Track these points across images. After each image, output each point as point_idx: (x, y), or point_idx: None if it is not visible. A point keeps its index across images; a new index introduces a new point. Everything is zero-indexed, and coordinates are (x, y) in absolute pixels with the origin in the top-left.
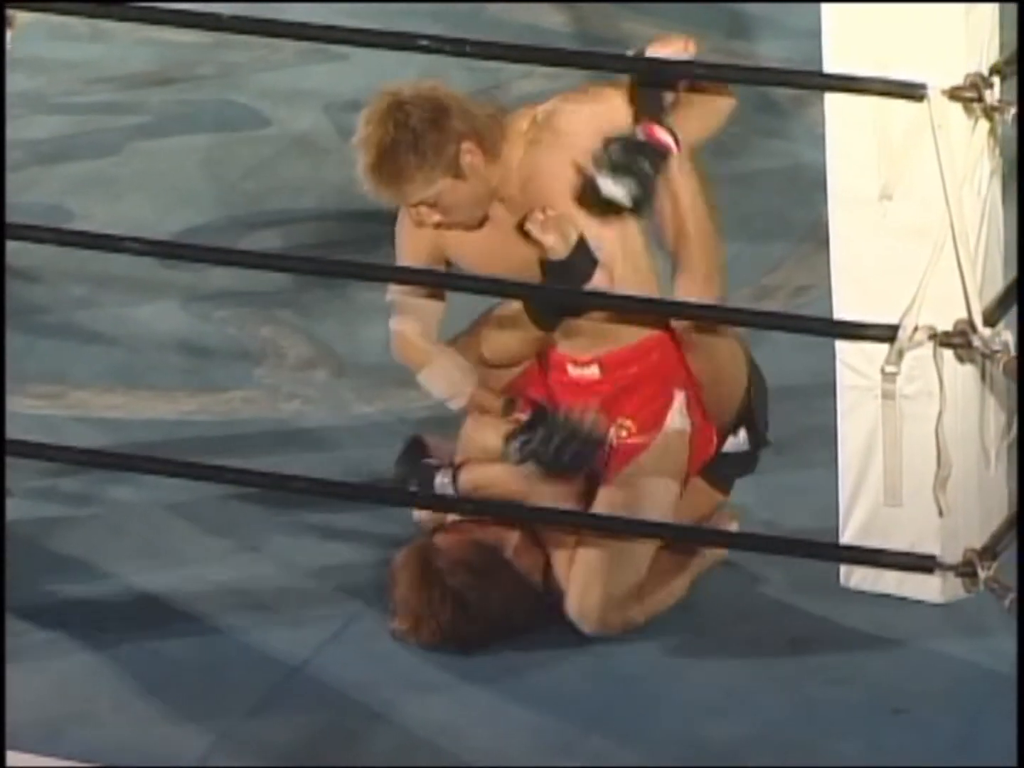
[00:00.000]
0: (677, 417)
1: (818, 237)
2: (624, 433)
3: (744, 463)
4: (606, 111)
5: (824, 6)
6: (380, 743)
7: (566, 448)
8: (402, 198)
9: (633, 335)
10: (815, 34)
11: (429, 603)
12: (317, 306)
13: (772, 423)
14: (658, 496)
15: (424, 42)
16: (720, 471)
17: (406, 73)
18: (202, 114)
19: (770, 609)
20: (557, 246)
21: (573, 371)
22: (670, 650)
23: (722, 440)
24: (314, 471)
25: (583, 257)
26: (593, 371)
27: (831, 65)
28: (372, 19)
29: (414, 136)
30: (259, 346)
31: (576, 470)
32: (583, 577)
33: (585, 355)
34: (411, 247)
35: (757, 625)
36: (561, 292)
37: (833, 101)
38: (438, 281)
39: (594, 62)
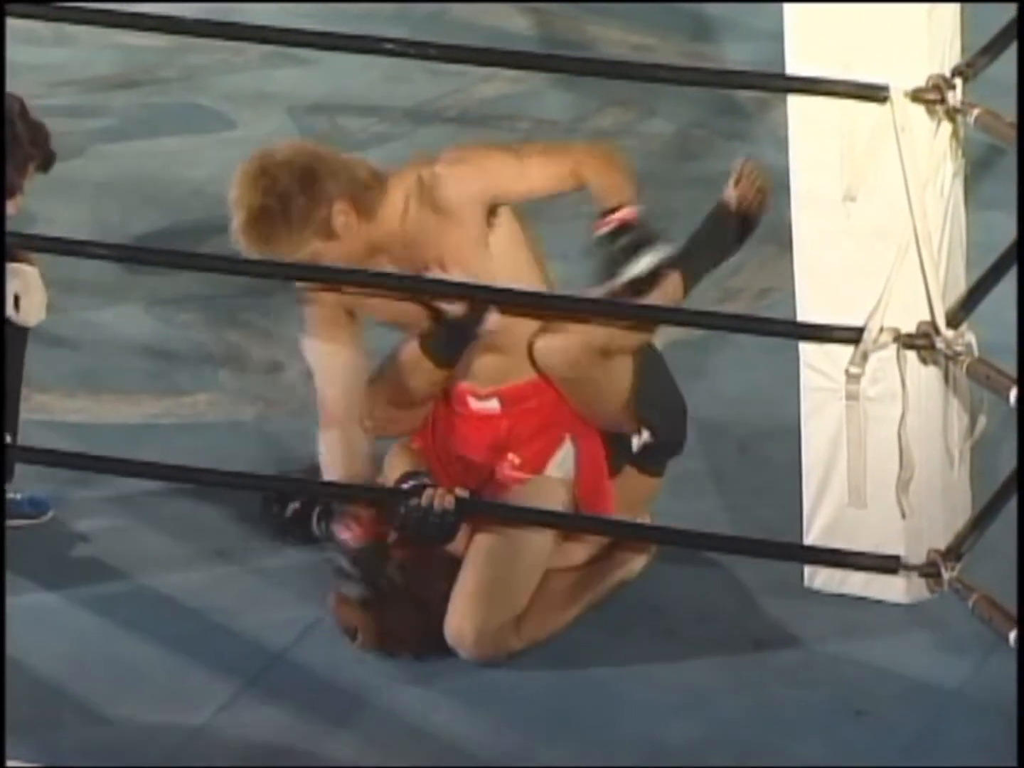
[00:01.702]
0: (559, 465)
1: (781, 239)
2: (508, 467)
3: (664, 450)
4: (492, 179)
5: (787, 9)
6: (346, 743)
7: (427, 526)
8: (276, 257)
9: (532, 370)
10: (778, 36)
11: (380, 611)
12: (282, 309)
13: (736, 425)
14: (526, 534)
15: (388, 45)
16: (645, 461)
17: (369, 76)
18: (166, 117)
19: (734, 610)
20: (456, 307)
21: (474, 404)
22: (634, 651)
23: (626, 444)
24: (278, 473)
25: (478, 310)
26: (493, 404)
27: (794, 67)
28: (335, 23)
29: (282, 202)
30: (223, 349)
31: (438, 542)
32: (461, 604)
33: (486, 388)
34: (318, 313)
35: (721, 626)
36: (563, 299)
37: (796, 103)
38: (410, 286)
39: (557, 65)
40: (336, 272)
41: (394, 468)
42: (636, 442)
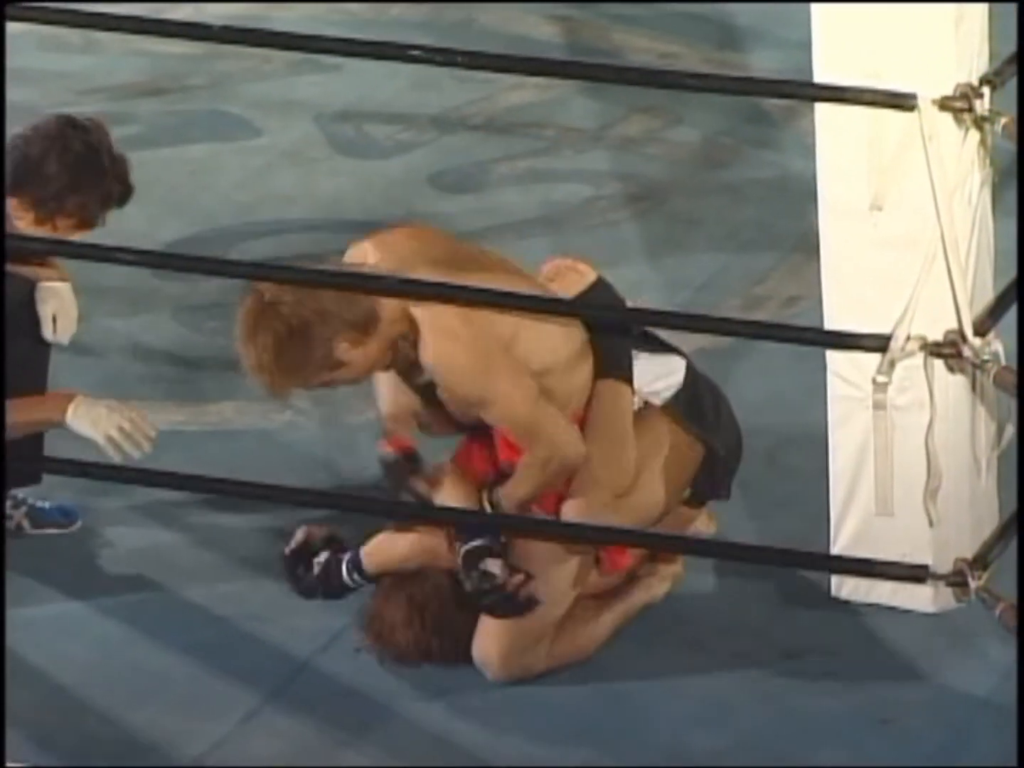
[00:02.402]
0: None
1: (808, 247)
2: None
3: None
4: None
5: (814, 17)
6: (370, 754)
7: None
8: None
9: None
10: (806, 45)
11: (405, 626)
12: None
13: (762, 433)
14: (557, 560)
15: (415, 52)
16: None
17: (397, 84)
18: (193, 125)
19: (761, 621)
20: None
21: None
22: (660, 662)
23: None
24: (304, 482)
25: None
26: None
27: (822, 76)
28: (363, 30)
29: (275, 355)
30: None
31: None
32: (488, 626)
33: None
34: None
35: (747, 637)
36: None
37: (823, 112)
38: (454, 292)
39: (584, 73)
40: (358, 278)
41: (445, 488)
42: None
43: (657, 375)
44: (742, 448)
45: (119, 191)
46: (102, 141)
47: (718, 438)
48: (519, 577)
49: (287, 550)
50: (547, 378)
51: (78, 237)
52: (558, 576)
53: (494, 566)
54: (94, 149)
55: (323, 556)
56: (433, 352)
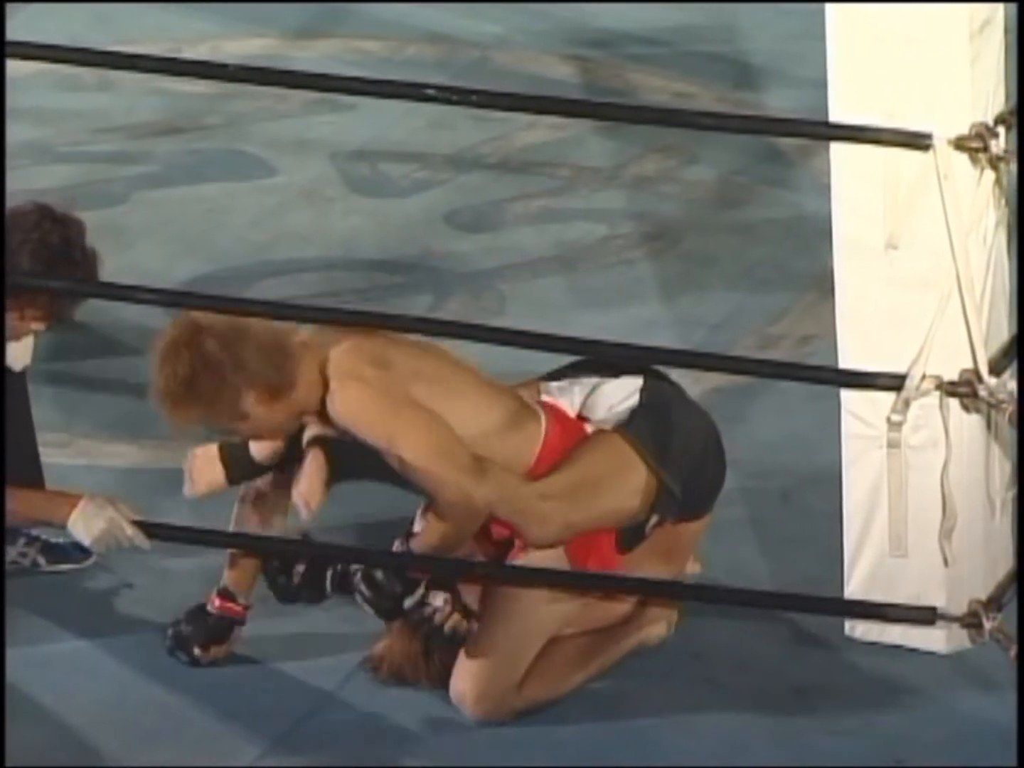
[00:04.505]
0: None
1: (823, 287)
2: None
3: (704, 496)
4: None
5: (830, 57)
6: None
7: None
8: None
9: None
10: (821, 84)
11: (408, 653)
12: None
13: (777, 472)
14: (530, 602)
15: (431, 92)
16: (684, 513)
17: (412, 123)
18: (209, 164)
19: (775, 659)
20: None
21: None
22: (674, 700)
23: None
24: (317, 522)
25: None
26: None
27: (837, 115)
28: (378, 69)
29: (185, 385)
30: None
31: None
32: (464, 665)
33: None
34: None
35: (761, 675)
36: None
37: (839, 151)
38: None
39: (599, 112)
40: (373, 317)
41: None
42: (648, 526)
43: (621, 397)
44: (719, 459)
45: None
46: (78, 235)
47: (668, 458)
48: (454, 616)
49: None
50: (485, 441)
51: (35, 326)
52: (536, 618)
53: (436, 598)
54: (70, 244)
55: (302, 566)
56: (341, 399)
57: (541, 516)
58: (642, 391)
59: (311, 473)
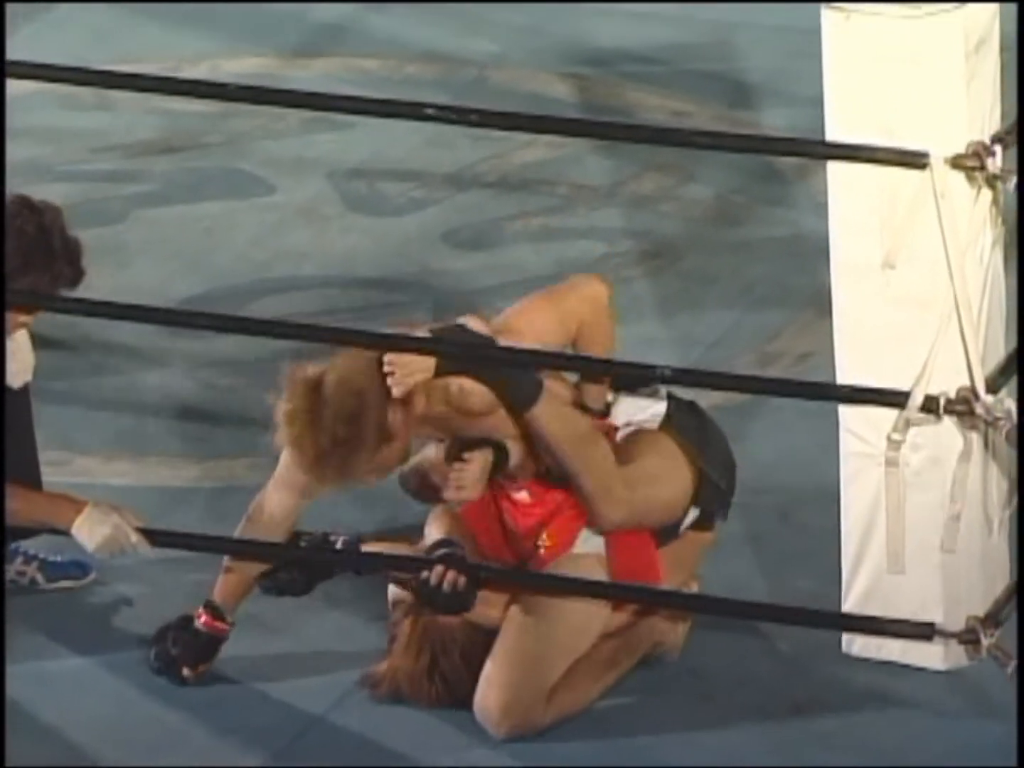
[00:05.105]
0: (585, 542)
1: (820, 305)
2: (542, 548)
3: (713, 515)
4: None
5: (826, 75)
6: None
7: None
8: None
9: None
10: (817, 102)
11: (411, 672)
12: None
13: (775, 490)
14: (563, 606)
15: (429, 110)
16: (699, 522)
17: (410, 142)
18: (207, 182)
19: (773, 675)
20: None
21: (512, 492)
22: (673, 716)
23: (675, 527)
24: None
25: None
26: (524, 495)
27: (834, 134)
28: (377, 88)
29: (333, 443)
30: (264, 413)
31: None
32: (490, 678)
33: (517, 481)
34: None
35: (760, 691)
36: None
37: (836, 169)
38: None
39: (597, 131)
40: (370, 336)
41: (431, 533)
42: (687, 520)
43: (640, 407)
44: (734, 472)
45: (69, 273)
46: (55, 223)
47: (707, 457)
48: (449, 574)
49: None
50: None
51: (23, 319)
52: (569, 624)
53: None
54: (46, 232)
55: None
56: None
57: (618, 500)
58: (669, 402)
59: (480, 471)
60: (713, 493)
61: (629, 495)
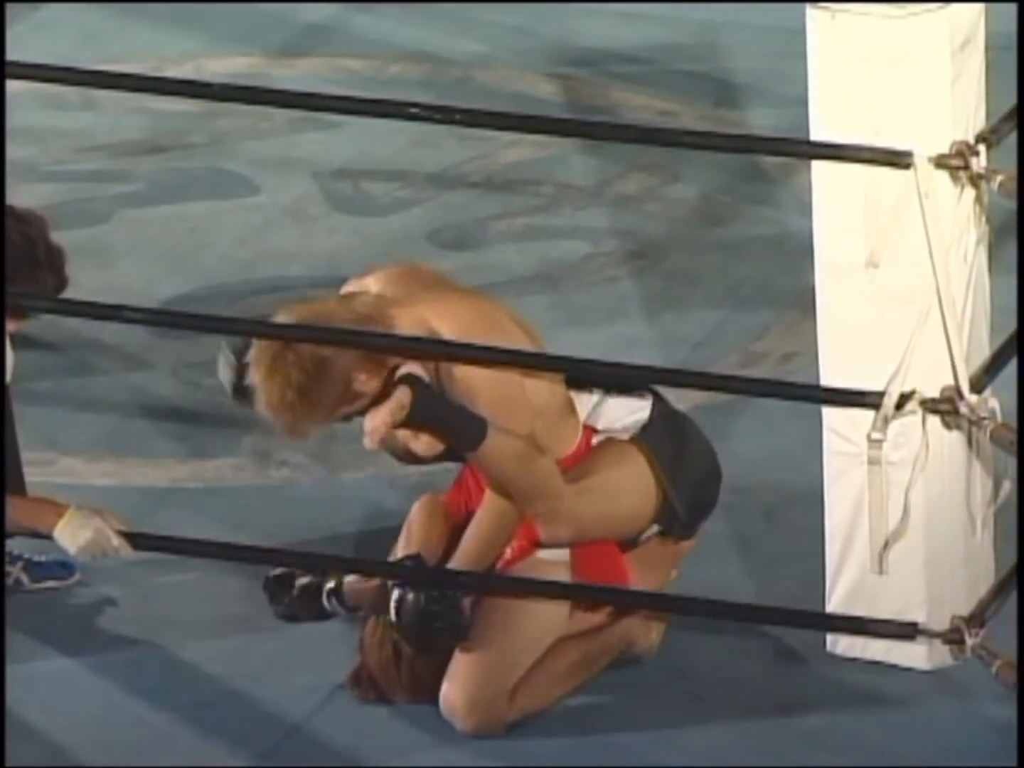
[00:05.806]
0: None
1: (805, 304)
2: (508, 552)
3: (695, 518)
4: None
5: (811, 75)
6: None
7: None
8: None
9: None
10: (802, 102)
11: (380, 662)
12: None
13: (760, 490)
14: (527, 606)
15: (414, 110)
16: (671, 532)
17: (396, 141)
18: (192, 182)
19: (759, 675)
20: None
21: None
22: (659, 716)
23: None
24: (303, 537)
25: None
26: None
27: (818, 133)
28: (362, 88)
29: (299, 392)
30: (249, 414)
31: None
32: (455, 673)
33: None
34: None
35: (746, 691)
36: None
37: (820, 169)
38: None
39: (582, 130)
40: (355, 335)
41: (419, 519)
42: (646, 534)
43: (622, 413)
44: (717, 483)
45: (53, 282)
46: (40, 233)
47: (676, 477)
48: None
49: (271, 574)
50: (543, 420)
51: (12, 328)
52: (534, 623)
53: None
54: (31, 241)
55: (304, 579)
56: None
57: (567, 515)
58: (652, 408)
59: (391, 407)
60: (672, 517)
61: (579, 512)
